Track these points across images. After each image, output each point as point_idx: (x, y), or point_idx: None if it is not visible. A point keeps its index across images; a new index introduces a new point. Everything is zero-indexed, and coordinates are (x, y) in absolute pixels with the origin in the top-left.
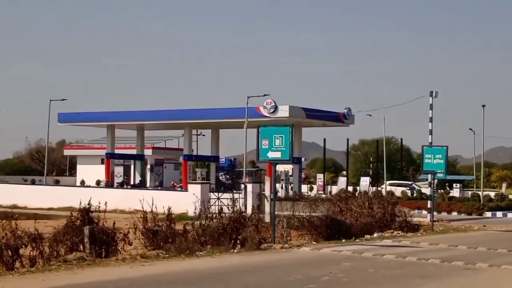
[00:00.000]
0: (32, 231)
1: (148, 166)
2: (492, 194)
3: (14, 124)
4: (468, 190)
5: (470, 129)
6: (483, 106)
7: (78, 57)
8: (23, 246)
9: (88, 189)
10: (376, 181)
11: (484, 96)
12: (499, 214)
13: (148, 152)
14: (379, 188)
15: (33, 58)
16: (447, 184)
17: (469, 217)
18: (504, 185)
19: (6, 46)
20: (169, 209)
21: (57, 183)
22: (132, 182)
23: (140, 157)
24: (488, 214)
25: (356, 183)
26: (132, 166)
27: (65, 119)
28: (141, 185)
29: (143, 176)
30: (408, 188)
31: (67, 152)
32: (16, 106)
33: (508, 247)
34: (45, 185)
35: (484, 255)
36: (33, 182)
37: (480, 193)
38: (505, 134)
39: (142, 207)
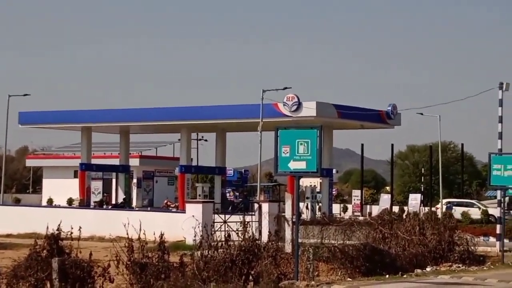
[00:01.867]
0: None
1: (135, 180)
2: None
3: None
4: None
5: None
6: None
7: (45, 41)
8: None
9: (58, 210)
10: (429, 199)
11: None
12: None
13: (134, 162)
14: (433, 209)
15: None
16: None
17: None
18: None
19: None
20: (161, 235)
21: (17, 202)
22: (113, 201)
23: (124, 169)
24: None
25: (404, 202)
26: (113, 181)
27: (28, 120)
28: (126, 205)
29: (128, 193)
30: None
31: (30, 163)
32: None
33: None
34: (2, 204)
35: None
36: None
37: None
38: None
39: (127, 233)
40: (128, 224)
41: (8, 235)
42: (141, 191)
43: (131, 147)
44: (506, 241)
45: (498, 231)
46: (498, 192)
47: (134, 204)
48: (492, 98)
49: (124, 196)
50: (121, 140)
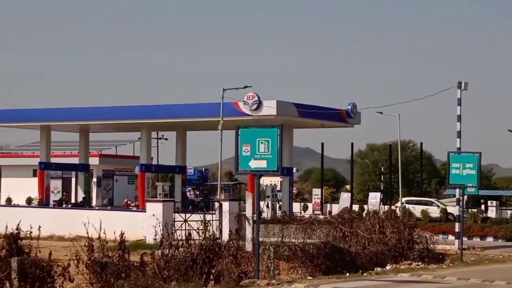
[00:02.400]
0: None
1: (94, 179)
2: None
3: None
4: (507, 209)
5: (510, 130)
6: None
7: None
8: None
9: (16, 210)
10: (389, 197)
11: None
12: None
13: (94, 161)
14: (393, 207)
15: None
16: (483, 201)
17: (509, 243)
18: None
19: None
20: (122, 234)
21: None
22: (73, 200)
23: (83, 168)
24: None
25: (364, 201)
26: (73, 179)
27: None
28: (85, 204)
29: (87, 192)
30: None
31: None
32: None
33: None
34: None
35: None
36: None
37: None
38: None
39: (87, 233)
40: (88, 223)
41: None
42: (101, 190)
43: (91, 145)
44: (464, 239)
45: (457, 229)
46: (457, 190)
47: (94, 203)
48: (451, 97)
49: (84, 195)
50: (80, 139)
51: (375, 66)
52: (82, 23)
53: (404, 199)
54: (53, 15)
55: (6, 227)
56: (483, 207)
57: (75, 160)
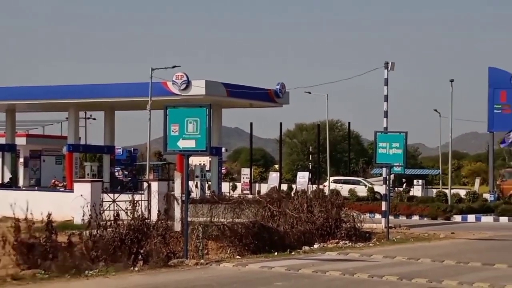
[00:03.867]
0: None
1: (21, 160)
2: (462, 192)
3: None
4: (432, 188)
5: (435, 110)
6: (451, 81)
7: None
8: None
9: None
10: (317, 177)
11: (453, 71)
12: (470, 217)
13: (20, 141)
14: (320, 186)
15: None
16: (405, 180)
17: (434, 222)
18: (477, 181)
19: None
20: (49, 215)
21: None
22: None
23: (10, 148)
24: (458, 218)
25: (292, 180)
26: None
27: None
28: (12, 185)
29: (14, 172)
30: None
31: None
32: None
33: (482, 260)
34: None
35: (452, 270)
36: None
37: (447, 191)
38: (478, 117)
39: (14, 213)
40: (15, 204)
41: None
42: (28, 170)
43: (18, 125)
44: (391, 217)
45: (383, 208)
46: (384, 169)
47: (20, 183)
48: (378, 77)
49: (11, 176)
50: (7, 119)
51: (304, 44)
52: None
53: (332, 179)
54: None
55: None
56: (404, 186)
57: (1, 140)
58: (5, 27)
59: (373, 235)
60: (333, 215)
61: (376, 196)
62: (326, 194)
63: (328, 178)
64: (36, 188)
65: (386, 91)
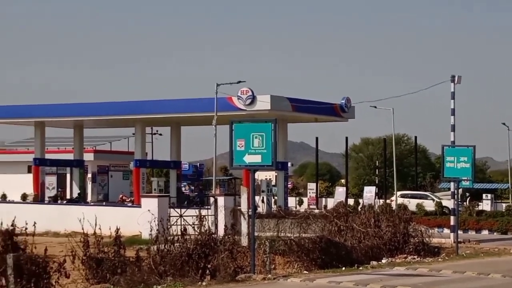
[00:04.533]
0: None
1: (89, 175)
2: None
3: None
4: (502, 202)
5: (503, 123)
6: None
7: None
8: None
9: (11, 206)
10: (384, 191)
11: None
12: None
13: (88, 156)
14: (388, 201)
15: None
16: (468, 194)
17: (504, 236)
18: None
19: None
20: (117, 230)
21: None
22: (68, 196)
23: (78, 164)
24: None
25: (359, 195)
26: (68, 175)
27: None
28: (80, 200)
29: (82, 188)
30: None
31: None
32: None
33: None
34: None
35: None
36: None
37: None
38: None
39: (82, 228)
40: (83, 219)
41: None
42: (96, 185)
43: (85, 141)
44: (460, 232)
45: (452, 223)
46: (452, 184)
47: (89, 199)
48: (445, 91)
49: (79, 191)
50: (75, 135)
51: (368, 60)
52: (74, 18)
53: (399, 193)
54: (44, 17)
55: (1, 224)
56: (468, 200)
57: (70, 156)
58: (80, 41)
59: (442, 250)
60: (400, 230)
61: (444, 210)
62: (394, 208)
63: (395, 192)
64: (104, 203)
65: (453, 104)
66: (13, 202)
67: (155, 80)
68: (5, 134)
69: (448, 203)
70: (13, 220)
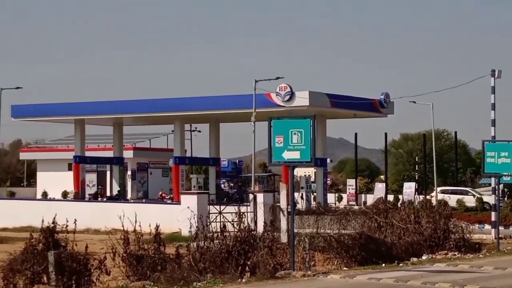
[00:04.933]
0: None
1: (129, 173)
2: None
3: None
4: None
5: None
6: None
7: (35, 35)
8: None
9: (52, 203)
10: (423, 187)
11: None
12: None
13: (128, 154)
14: (427, 197)
15: None
16: (507, 190)
17: None
18: None
19: None
20: (157, 227)
21: (12, 195)
22: (108, 193)
23: (118, 161)
24: None
25: (398, 191)
26: (108, 173)
27: (21, 113)
28: (120, 197)
29: (122, 185)
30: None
31: (24, 156)
32: None
33: None
34: None
35: None
36: None
37: None
38: None
39: (122, 226)
40: (123, 216)
41: (4, 229)
42: (135, 183)
43: (125, 139)
44: (501, 228)
45: (493, 219)
46: (492, 179)
47: (129, 196)
48: (484, 85)
49: (119, 188)
50: (114, 132)
51: (408, 55)
52: (110, 15)
53: (439, 189)
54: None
55: (43, 221)
56: (506, 196)
57: (110, 154)
58: (120, 40)
59: (483, 246)
60: (441, 226)
61: (485, 206)
62: (434, 204)
63: (435, 188)
64: (143, 200)
65: (493, 99)
66: (54, 199)
67: (193, 76)
68: (45, 132)
69: (489, 198)
70: (54, 218)
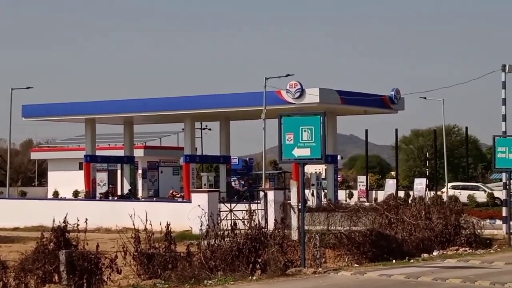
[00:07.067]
0: None
1: (140, 171)
2: None
3: None
4: None
5: None
6: None
7: (46, 34)
8: None
9: (63, 203)
10: (434, 183)
11: None
12: None
13: (139, 152)
14: (438, 193)
15: None
16: None
17: None
18: None
19: None
20: (167, 225)
21: (23, 195)
22: (119, 192)
23: (129, 160)
24: None
25: (409, 187)
26: (118, 172)
27: (32, 113)
28: (131, 196)
29: (133, 184)
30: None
31: (35, 156)
32: None
33: None
34: (8, 198)
35: None
36: None
37: None
38: None
39: (133, 224)
40: (134, 215)
41: (15, 229)
42: (146, 181)
43: (135, 137)
44: None
45: (504, 214)
46: (503, 174)
47: (139, 195)
48: (495, 80)
49: (130, 187)
50: (125, 131)
51: (418, 51)
52: (125, 11)
53: (450, 185)
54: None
55: (54, 220)
56: None
57: (120, 153)
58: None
59: (494, 241)
60: (452, 222)
61: (496, 201)
62: (444, 200)
63: (446, 184)
64: (154, 199)
65: (504, 94)
66: (65, 199)
67: (203, 74)
68: (56, 132)
69: (500, 194)
70: (65, 217)
